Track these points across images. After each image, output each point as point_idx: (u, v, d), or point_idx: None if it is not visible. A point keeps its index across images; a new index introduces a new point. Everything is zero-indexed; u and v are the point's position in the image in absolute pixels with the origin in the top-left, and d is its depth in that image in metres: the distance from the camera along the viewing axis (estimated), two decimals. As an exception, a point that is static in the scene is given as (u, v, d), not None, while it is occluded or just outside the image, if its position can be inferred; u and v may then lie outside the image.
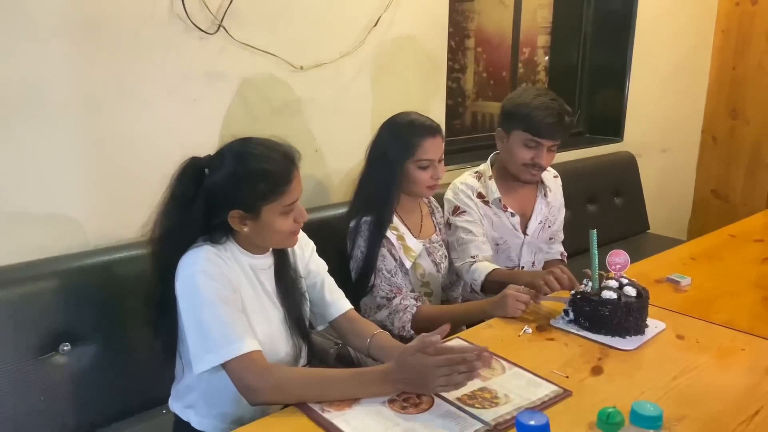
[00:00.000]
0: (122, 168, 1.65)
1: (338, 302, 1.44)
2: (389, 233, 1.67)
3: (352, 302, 1.46)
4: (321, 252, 1.49)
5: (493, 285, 1.69)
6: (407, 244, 1.70)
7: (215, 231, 1.25)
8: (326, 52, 2.01)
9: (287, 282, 1.36)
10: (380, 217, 1.66)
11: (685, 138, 3.73)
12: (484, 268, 1.74)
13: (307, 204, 2.00)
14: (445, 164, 2.50)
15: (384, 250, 1.65)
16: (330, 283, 1.45)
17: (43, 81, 1.49)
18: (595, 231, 1.45)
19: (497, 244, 1.92)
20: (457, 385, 1.07)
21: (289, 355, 1.35)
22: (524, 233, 1.92)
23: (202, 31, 1.71)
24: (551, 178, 2.01)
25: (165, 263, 1.23)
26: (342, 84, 2.09)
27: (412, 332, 1.59)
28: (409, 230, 1.73)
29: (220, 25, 1.74)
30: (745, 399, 1.15)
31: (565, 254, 2.06)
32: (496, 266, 1.75)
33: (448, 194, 1.92)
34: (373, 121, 2.18)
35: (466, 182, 1.91)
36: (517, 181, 1.88)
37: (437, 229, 1.85)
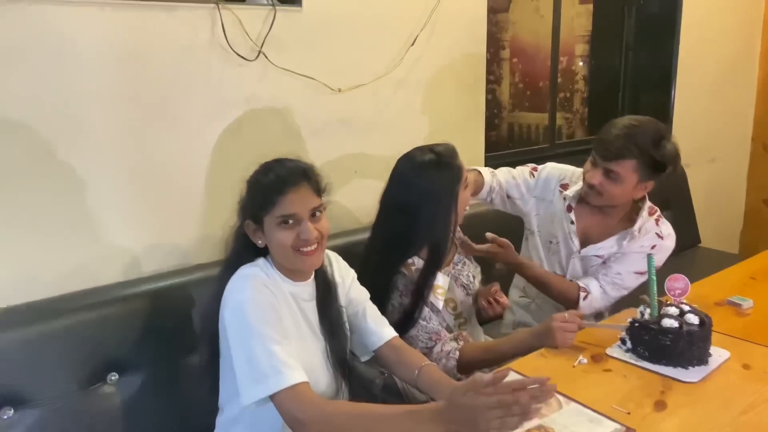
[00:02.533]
0: (168, 195, 1.66)
1: (381, 330, 1.40)
2: (415, 276, 1.54)
3: None
4: (359, 275, 1.47)
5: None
6: (434, 284, 1.57)
7: (250, 250, 1.27)
8: (364, 73, 2.00)
9: (331, 316, 1.33)
10: (431, 269, 1.53)
11: (734, 146, 3.59)
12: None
13: (347, 225, 2.00)
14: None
15: (413, 298, 1.54)
16: (372, 310, 1.42)
17: (89, 111, 1.51)
18: (652, 255, 1.39)
19: (550, 242, 1.84)
20: (511, 428, 1.02)
21: (330, 388, 1.32)
22: (579, 249, 1.79)
23: (243, 57, 1.71)
24: (652, 235, 1.71)
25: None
26: (380, 104, 2.07)
27: (460, 376, 1.50)
28: None
29: (260, 52, 1.74)
30: (825, 439, 1.07)
31: (585, 293, 1.73)
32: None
33: (553, 163, 1.90)
34: (412, 140, 2.15)
35: (570, 169, 1.85)
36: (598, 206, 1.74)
37: (457, 245, 1.73)
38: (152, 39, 1.57)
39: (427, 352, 1.50)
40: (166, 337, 1.52)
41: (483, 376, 1.06)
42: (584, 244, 1.79)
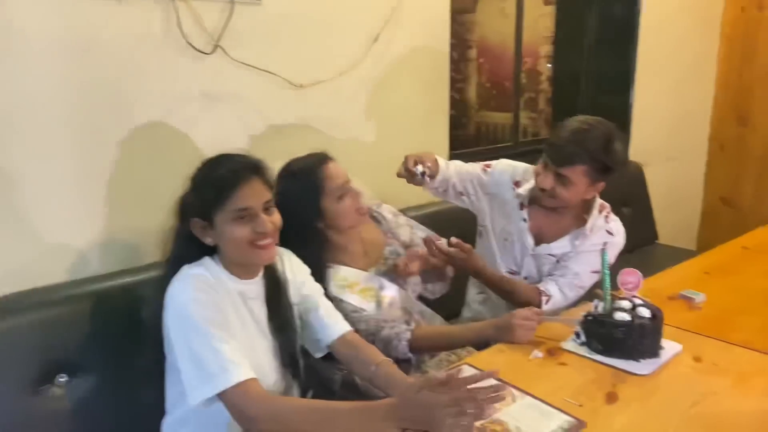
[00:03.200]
0: (118, 191, 1.61)
1: (335, 325, 1.37)
2: (344, 295, 1.50)
3: None
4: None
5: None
6: (363, 287, 1.55)
7: (195, 250, 1.24)
8: (326, 69, 1.98)
9: (280, 313, 1.32)
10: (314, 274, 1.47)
11: (692, 146, 3.67)
12: None
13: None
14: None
15: (343, 305, 1.49)
16: (326, 305, 1.40)
17: (38, 104, 1.46)
18: (605, 250, 1.41)
19: (504, 239, 1.82)
20: (466, 427, 1.01)
21: (278, 387, 1.30)
22: (533, 247, 1.78)
23: (198, 51, 1.68)
24: (603, 232, 1.72)
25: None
26: (343, 101, 2.06)
27: (410, 355, 1.49)
28: (356, 269, 1.57)
29: (216, 45, 1.71)
30: (768, 428, 1.09)
31: (546, 297, 1.70)
32: None
33: (504, 160, 1.87)
34: (376, 138, 2.15)
35: (522, 166, 1.82)
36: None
37: (389, 235, 1.70)
38: (104, 29, 1.52)
39: (373, 337, 1.48)
40: (116, 338, 1.48)
41: (437, 374, 1.06)
42: (538, 242, 1.78)
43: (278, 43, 1.86)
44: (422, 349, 1.50)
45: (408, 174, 1.68)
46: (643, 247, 2.97)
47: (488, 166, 1.86)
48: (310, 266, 1.45)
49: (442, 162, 1.85)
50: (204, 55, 1.69)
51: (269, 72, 1.84)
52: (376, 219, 1.74)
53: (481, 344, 1.47)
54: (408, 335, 1.48)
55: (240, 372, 1.11)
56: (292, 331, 1.35)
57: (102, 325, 1.47)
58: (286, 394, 1.33)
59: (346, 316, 1.45)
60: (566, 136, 1.60)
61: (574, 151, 1.58)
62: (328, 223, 1.53)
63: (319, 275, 1.47)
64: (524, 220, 1.78)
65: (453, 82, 2.43)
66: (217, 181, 1.20)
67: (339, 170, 1.52)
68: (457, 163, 1.89)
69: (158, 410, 1.32)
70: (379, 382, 1.29)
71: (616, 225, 1.76)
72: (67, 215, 1.54)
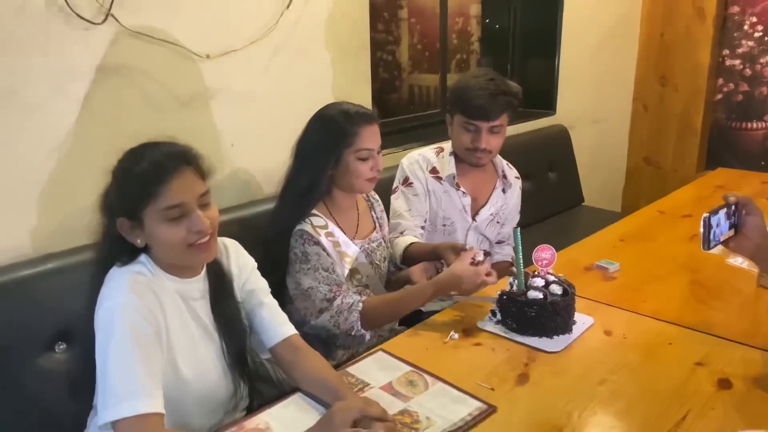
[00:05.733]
0: (3, 181, 1.47)
1: (279, 327, 1.26)
2: (324, 239, 1.51)
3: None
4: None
5: (410, 260, 1.71)
6: (343, 250, 1.55)
7: (127, 249, 1.11)
8: (235, 37, 1.85)
9: (227, 314, 1.21)
10: (293, 217, 1.52)
11: (616, 107, 3.73)
12: (402, 242, 1.73)
13: (229, 202, 1.89)
14: (382, 147, 2.43)
15: (318, 248, 1.50)
16: (271, 304, 1.29)
17: None
18: (518, 229, 1.40)
19: (443, 225, 1.86)
20: None
21: (227, 390, 1.22)
22: (473, 218, 1.87)
23: (87, 21, 1.53)
24: (513, 178, 1.94)
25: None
26: (256, 71, 1.94)
27: (363, 332, 1.47)
28: (345, 233, 1.57)
29: (108, 14, 1.56)
30: (672, 401, 1.12)
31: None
32: (414, 239, 1.74)
33: (404, 161, 1.89)
34: (293, 109, 2.04)
35: (424, 155, 1.88)
36: (468, 164, 1.83)
37: (377, 225, 1.73)
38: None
39: (328, 305, 1.46)
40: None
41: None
42: (474, 209, 1.87)
43: (178, 9, 1.71)
44: (374, 321, 1.47)
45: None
46: (569, 210, 3.02)
47: (406, 180, 1.86)
48: (304, 209, 1.50)
49: (414, 233, 1.79)
50: (94, 25, 1.54)
51: (170, 42, 1.70)
52: (370, 203, 1.75)
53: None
54: (360, 307, 1.46)
55: (141, 403, 0.99)
56: (240, 331, 1.24)
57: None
58: (234, 396, 1.24)
59: (316, 271, 1.46)
60: (489, 93, 1.70)
61: (504, 101, 1.71)
62: (337, 177, 1.54)
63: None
64: (464, 193, 1.84)
65: (384, 43, 2.34)
66: (142, 175, 1.06)
67: (375, 136, 1.55)
68: (404, 213, 1.83)
69: (60, 414, 1.24)
70: (317, 390, 1.17)
71: (514, 169, 1.98)
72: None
